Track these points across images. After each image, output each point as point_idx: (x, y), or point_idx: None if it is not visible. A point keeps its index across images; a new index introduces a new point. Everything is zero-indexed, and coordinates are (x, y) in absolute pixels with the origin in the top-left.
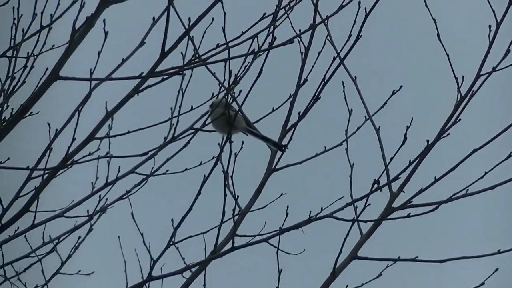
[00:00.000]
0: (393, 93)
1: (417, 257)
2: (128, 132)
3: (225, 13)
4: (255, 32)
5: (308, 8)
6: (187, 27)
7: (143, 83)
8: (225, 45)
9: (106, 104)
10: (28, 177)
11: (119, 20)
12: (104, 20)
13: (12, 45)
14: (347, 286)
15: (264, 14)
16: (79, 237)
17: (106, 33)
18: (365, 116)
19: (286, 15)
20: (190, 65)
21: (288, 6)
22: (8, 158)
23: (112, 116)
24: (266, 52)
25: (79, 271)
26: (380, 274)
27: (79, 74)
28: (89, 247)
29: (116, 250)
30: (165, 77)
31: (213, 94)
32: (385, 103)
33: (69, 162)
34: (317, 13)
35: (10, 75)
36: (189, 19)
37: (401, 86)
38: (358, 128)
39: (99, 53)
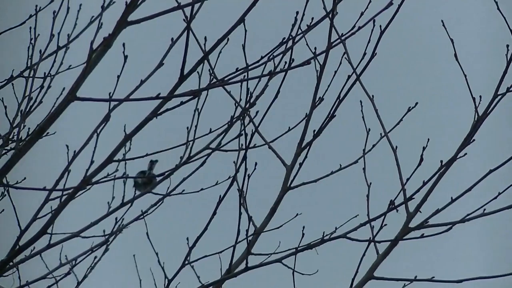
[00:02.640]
0: (409, 109)
1: (433, 277)
2: (147, 154)
3: (245, 39)
4: (272, 51)
5: (324, 24)
6: (205, 50)
7: (162, 106)
8: (244, 69)
9: (125, 127)
10: (46, 199)
11: (136, 41)
12: (124, 44)
13: (29, 65)
14: None
15: (283, 39)
16: (95, 257)
17: (125, 57)
18: (381, 134)
19: (302, 35)
20: (208, 87)
21: (307, 27)
22: (25, 178)
23: (130, 139)
24: (283, 72)
25: None
26: None
27: (97, 95)
28: (105, 267)
29: (132, 269)
30: (184, 100)
31: (232, 117)
32: (401, 119)
33: (87, 184)
34: (333, 31)
35: (27, 95)
36: (205, 38)
37: (416, 103)
38: (373, 146)
39: (118, 76)
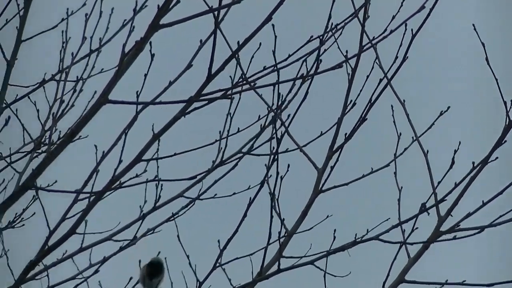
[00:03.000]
0: (441, 113)
1: (464, 280)
2: (175, 154)
3: (276, 36)
4: (302, 53)
5: (354, 26)
6: (233, 49)
7: (190, 105)
8: (273, 67)
9: (153, 126)
10: (74, 200)
11: (165, 43)
12: (150, 43)
13: (61, 68)
14: None
15: (311, 36)
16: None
17: (152, 56)
18: (412, 137)
19: (333, 38)
20: (237, 87)
21: (335, 29)
22: (56, 181)
23: (159, 139)
24: (314, 75)
25: None
26: None
27: (124, 97)
28: (136, 269)
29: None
30: (211, 100)
31: (259, 116)
32: (433, 123)
33: (115, 184)
34: (364, 35)
35: (58, 98)
36: (238, 42)
37: (448, 107)
38: (405, 149)
39: (145, 75)
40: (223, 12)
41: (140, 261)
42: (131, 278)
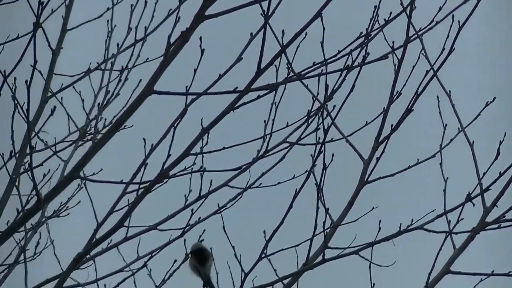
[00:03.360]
0: (487, 104)
1: (510, 271)
2: (223, 148)
3: (324, 28)
4: (350, 47)
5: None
6: (282, 44)
7: (238, 99)
8: (322, 63)
9: (202, 120)
10: (123, 192)
11: (211, 35)
12: (200, 38)
13: (106, 57)
14: None
15: (361, 33)
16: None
17: (202, 51)
18: (458, 128)
19: (380, 29)
20: (285, 81)
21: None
22: (101, 169)
23: (207, 132)
24: (360, 66)
25: None
26: None
27: (173, 89)
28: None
29: None
30: (261, 93)
31: (309, 110)
32: (479, 114)
33: (164, 177)
34: (411, 26)
35: (104, 87)
36: (282, 36)
37: (494, 98)
38: (451, 140)
39: (195, 70)
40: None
41: (186, 251)
42: (175, 261)
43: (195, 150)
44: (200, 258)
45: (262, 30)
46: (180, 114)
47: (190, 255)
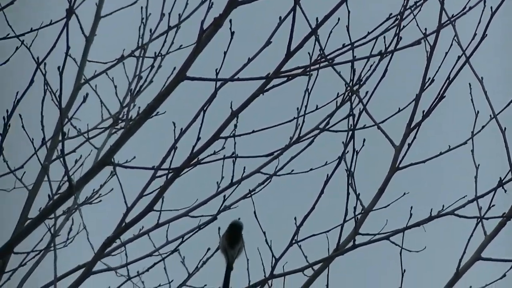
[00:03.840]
0: None
1: None
2: (253, 131)
3: (349, 12)
4: (380, 31)
5: (433, 3)
6: (313, 26)
7: (268, 82)
8: (350, 45)
9: (231, 103)
10: (152, 176)
11: (244, 20)
12: (230, 21)
13: (139, 44)
14: (470, 287)
15: (390, 14)
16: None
17: (232, 33)
18: (490, 115)
19: (412, 15)
20: (315, 65)
21: (415, 6)
22: (134, 157)
23: (237, 116)
24: (392, 52)
25: (205, 285)
26: (504, 275)
27: (203, 74)
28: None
29: None
30: (290, 77)
31: (338, 93)
32: (511, 101)
33: (194, 161)
34: (444, 12)
35: (137, 74)
36: (317, 19)
37: None
38: (483, 127)
39: (224, 53)
40: None
41: (219, 229)
42: (208, 249)
43: (225, 134)
44: (232, 237)
45: (292, 13)
46: (210, 98)
47: (225, 234)
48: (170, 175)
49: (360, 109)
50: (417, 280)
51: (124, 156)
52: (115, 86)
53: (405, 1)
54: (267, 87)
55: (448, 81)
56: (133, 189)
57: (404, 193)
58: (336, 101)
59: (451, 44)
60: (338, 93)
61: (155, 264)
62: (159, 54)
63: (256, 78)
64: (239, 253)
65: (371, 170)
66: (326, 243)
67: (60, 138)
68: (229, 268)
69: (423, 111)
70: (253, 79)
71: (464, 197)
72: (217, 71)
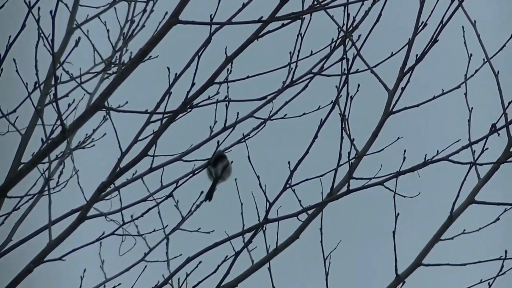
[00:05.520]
0: None
1: None
2: (248, 77)
3: None
4: None
5: None
6: None
7: (263, 28)
8: None
9: (226, 49)
10: (147, 121)
11: None
12: None
13: None
14: (464, 230)
15: None
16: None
17: None
18: (483, 59)
19: None
20: (309, 10)
21: None
22: (127, 102)
23: (231, 61)
24: None
25: (199, 228)
26: (498, 219)
27: (198, 19)
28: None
29: (233, 193)
30: (285, 22)
31: (332, 39)
32: (504, 45)
33: (188, 106)
34: None
35: (129, 19)
36: None
37: None
38: (476, 71)
39: None
40: None
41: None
42: (201, 192)
43: (220, 79)
44: (214, 160)
45: None
46: (204, 43)
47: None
48: (164, 120)
49: (353, 53)
50: (411, 225)
51: (117, 101)
52: (108, 30)
53: None
54: (262, 32)
55: (441, 25)
56: (126, 134)
57: (398, 138)
58: (330, 46)
59: None
60: (332, 39)
61: (149, 209)
62: None
63: (250, 22)
64: (226, 171)
65: (365, 115)
66: (320, 187)
67: (52, 82)
68: (216, 178)
69: (416, 55)
70: (247, 23)
71: (457, 141)
72: (212, 16)
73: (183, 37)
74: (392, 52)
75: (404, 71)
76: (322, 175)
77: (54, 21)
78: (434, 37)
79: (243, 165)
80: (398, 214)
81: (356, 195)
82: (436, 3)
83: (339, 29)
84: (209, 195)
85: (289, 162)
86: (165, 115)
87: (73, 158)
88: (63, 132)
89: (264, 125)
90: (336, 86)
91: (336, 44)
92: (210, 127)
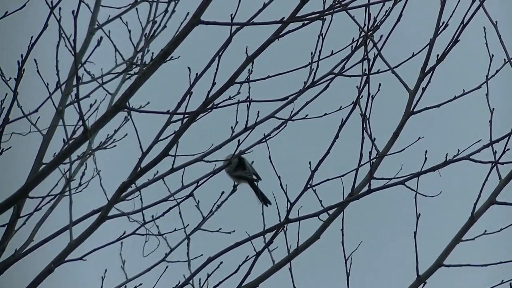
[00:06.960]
0: None
1: None
2: (268, 76)
3: None
4: None
5: None
6: None
7: (283, 28)
8: None
9: (247, 48)
10: (168, 121)
11: None
12: None
13: None
14: (485, 231)
15: None
16: (222, 192)
17: None
18: (504, 59)
19: None
20: (330, 10)
21: None
22: (148, 102)
23: (252, 61)
24: None
25: (220, 229)
26: None
27: (219, 19)
28: (225, 188)
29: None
30: (305, 22)
31: (353, 39)
32: None
33: (209, 106)
34: None
35: (151, 19)
36: None
37: None
38: (497, 71)
39: None
40: None
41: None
42: (223, 193)
43: (240, 79)
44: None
45: None
46: (225, 43)
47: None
48: (185, 119)
49: (374, 53)
50: (432, 225)
51: (138, 101)
52: (129, 31)
53: None
54: (282, 32)
55: (462, 25)
56: (147, 134)
57: (419, 138)
58: (351, 46)
59: None
60: (353, 38)
61: (170, 209)
62: None
63: (271, 22)
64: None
65: (386, 115)
66: (341, 187)
67: (74, 82)
68: (253, 181)
69: (437, 56)
70: (268, 23)
71: (478, 141)
72: (232, 16)
73: (204, 37)
74: (413, 53)
75: (425, 71)
76: (343, 175)
77: (76, 21)
78: (455, 37)
79: (264, 165)
80: (420, 215)
81: (377, 195)
82: (457, 4)
83: (360, 29)
84: (264, 199)
85: (310, 162)
86: (186, 115)
87: (94, 158)
88: (85, 132)
89: (285, 126)
90: (357, 87)
91: (357, 44)
92: (231, 127)
